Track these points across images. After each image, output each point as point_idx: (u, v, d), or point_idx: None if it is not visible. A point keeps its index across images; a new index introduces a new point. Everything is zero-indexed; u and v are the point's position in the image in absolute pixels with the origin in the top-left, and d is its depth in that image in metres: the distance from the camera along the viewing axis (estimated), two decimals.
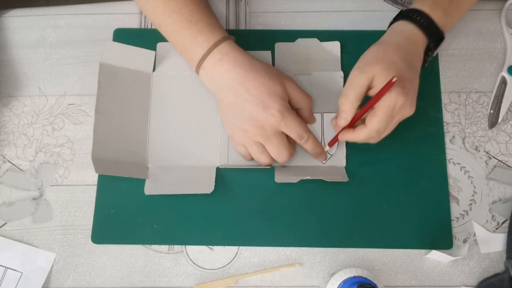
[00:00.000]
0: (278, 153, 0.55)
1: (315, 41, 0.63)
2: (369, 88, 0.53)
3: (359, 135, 0.54)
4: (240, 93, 0.54)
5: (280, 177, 0.58)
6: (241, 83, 0.54)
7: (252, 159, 0.58)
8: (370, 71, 0.52)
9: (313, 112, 0.61)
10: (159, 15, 0.57)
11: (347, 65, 0.62)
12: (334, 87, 0.61)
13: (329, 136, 0.60)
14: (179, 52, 0.59)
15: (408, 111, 0.53)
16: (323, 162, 0.59)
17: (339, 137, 0.56)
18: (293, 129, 0.54)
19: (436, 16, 0.54)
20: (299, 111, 0.59)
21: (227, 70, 0.55)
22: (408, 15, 0.55)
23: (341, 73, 0.62)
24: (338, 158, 0.60)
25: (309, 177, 0.57)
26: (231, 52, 0.55)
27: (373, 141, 0.55)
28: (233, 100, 0.55)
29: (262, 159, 0.56)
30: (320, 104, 0.61)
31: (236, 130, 0.56)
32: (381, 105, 0.52)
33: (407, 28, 0.55)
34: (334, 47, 0.63)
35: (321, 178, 0.57)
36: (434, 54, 0.57)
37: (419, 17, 0.54)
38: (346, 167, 0.59)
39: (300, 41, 0.63)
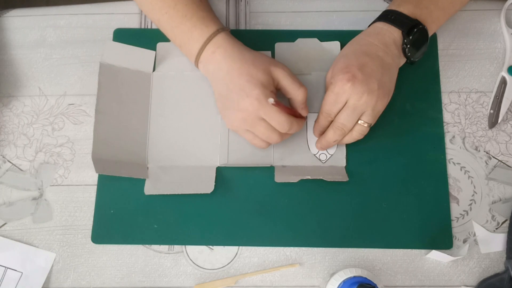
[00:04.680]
0: (267, 138, 0.55)
1: (315, 41, 0.63)
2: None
3: (326, 134, 0.57)
4: (227, 83, 0.55)
5: (280, 177, 0.58)
6: (228, 73, 0.55)
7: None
8: (333, 82, 0.55)
9: (313, 112, 0.61)
10: (157, 11, 0.58)
11: None
12: None
13: None
14: (178, 47, 0.60)
15: (365, 97, 0.53)
16: (323, 161, 0.59)
17: (319, 147, 0.59)
18: (273, 118, 0.53)
19: (404, 9, 0.56)
20: (290, 101, 0.58)
21: (218, 62, 0.56)
22: (379, 16, 0.58)
23: None
24: (338, 158, 0.60)
25: (309, 177, 0.57)
26: (223, 44, 0.56)
27: (347, 138, 0.57)
28: (222, 90, 0.56)
29: (258, 144, 0.57)
30: (320, 104, 0.61)
31: (228, 120, 0.57)
32: (327, 90, 0.56)
33: (373, 25, 0.58)
34: (334, 47, 0.63)
35: (321, 178, 0.57)
36: (420, 50, 0.57)
37: (389, 15, 0.57)
38: (346, 167, 0.59)
39: (300, 41, 0.63)
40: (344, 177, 0.58)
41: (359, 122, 0.55)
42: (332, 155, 0.60)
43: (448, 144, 0.60)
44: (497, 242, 0.57)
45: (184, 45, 0.58)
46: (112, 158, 0.58)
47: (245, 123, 0.55)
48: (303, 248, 0.58)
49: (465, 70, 0.63)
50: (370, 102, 0.53)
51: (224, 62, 0.55)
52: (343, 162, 0.59)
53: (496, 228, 0.58)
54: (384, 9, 0.59)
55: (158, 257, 0.58)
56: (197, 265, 0.57)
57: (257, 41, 0.63)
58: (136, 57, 0.62)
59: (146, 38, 0.64)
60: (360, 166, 0.59)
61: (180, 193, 0.57)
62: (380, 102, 0.54)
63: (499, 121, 0.61)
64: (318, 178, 0.57)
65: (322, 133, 0.58)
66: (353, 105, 0.53)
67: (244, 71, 0.54)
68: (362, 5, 0.65)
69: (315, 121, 0.59)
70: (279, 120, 0.53)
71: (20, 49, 0.65)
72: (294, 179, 0.57)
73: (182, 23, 0.57)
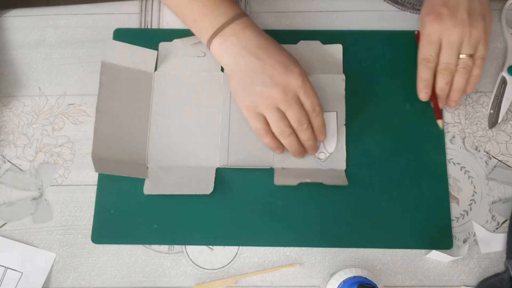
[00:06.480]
0: (299, 120, 0.55)
1: (317, 43, 0.63)
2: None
3: (437, 83, 0.58)
4: (263, 57, 0.55)
5: (279, 180, 0.58)
6: (264, 49, 0.55)
7: (268, 133, 0.56)
8: (421, 25, 0.57)
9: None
10: None
11: (348, 67, 0.62)
12: (335, 90, 0.61)
13: (329, 135, 0.59)
14: (191, 22, 0.58)
15: (457, 30, 0.54)
16: (323, 160, 0.59)
17: (443, 104, 0.60)
18: (310, 97, 0.55)
19: None
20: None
21: (250, 38, 0.56)
22: None
23: (343, 76, 0.62)
24: (338, 161, 0.59)
25: (308, 180, 0.57)
26: (252, 25, 0.57)
27: (459, 80, 0.58)
28: (253, 65, 0.55)
29: (282, 126, 0.55)
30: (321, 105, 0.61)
31: (255, 97, 0.55)
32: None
33: None
34: (336, 50, 0.63)
35: (320, 181, 0.57)
36: None
37: None
38: (345, 170, 0.59)
39: (302, 43, 0.63)
40: (343, 181, 0.57)
41: (460, 56, 0.56)
42: (331, 153, 0.59)
43: (448, 144, 0.60)
44: (497, 242, 0.57)
45: (203, 17, 0.56)
46: (112, 157, 0.58)
47: (281, 100, 0.54)
48: (303, 248, 0.58)
49: None
50: (464, 33, 0.54)
51: (257, 38, 0.56)
52: (343, 166, 0.59)
53: (496, 228, 0.58)
54: (384, 9, 0.58)
55: (158, 257, 0.58)
56: (197, 265, 0.57)
57: None
58: (137, 56, 0.62)
59: (146, 38, 0.64)
60: (360, 166, 0.59)
61: (179, 193, 0.57)
62: (475, 30, 0.55)
63: (499, 121, 0.61)
64: (317, 181, 0.57)
65: (431, 87, 0.59)
66: (447, 42, 0.55)
67: (282, 51, 0.56)
68: (362, 5, 0.65)
69: (418, 82, 0.59)
70: (314, 100, 0.55)
71: (20, 49, 0.65)
72: (294, 182, 0.57)
73: None
